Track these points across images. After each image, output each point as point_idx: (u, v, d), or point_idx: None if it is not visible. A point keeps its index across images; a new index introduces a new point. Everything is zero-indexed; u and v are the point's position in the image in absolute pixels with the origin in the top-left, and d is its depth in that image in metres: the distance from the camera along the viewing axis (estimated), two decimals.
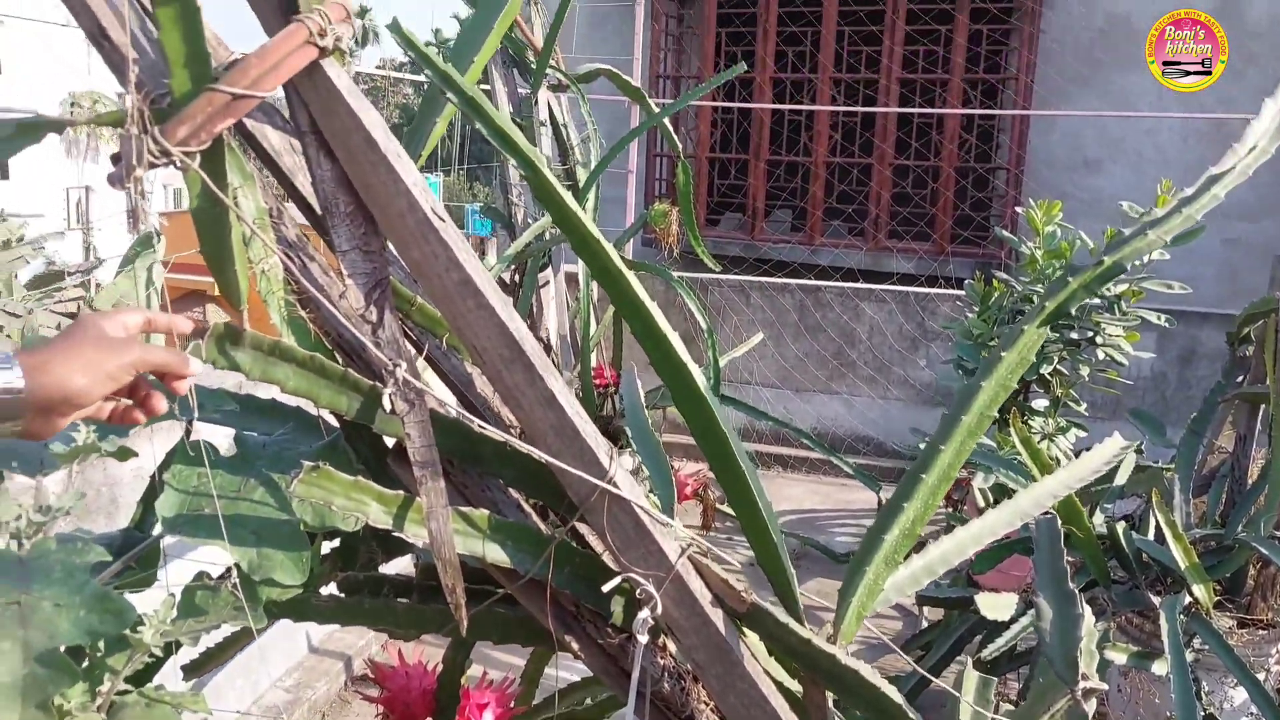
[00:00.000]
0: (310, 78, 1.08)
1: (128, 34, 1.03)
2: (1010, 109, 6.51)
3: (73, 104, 27.24)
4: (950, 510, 4.19)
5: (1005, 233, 3.91)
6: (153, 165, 0.98)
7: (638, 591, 1.17)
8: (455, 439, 1.21)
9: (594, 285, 4.15)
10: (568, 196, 1.24)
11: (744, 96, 6.95)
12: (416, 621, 1.38)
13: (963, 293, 5.08)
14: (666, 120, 4.05)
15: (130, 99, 0.96)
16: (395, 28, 1.25)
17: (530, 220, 4.12)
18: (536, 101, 3.96)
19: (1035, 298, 3.79)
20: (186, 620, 1.16)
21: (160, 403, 0.92)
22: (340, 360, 1.20)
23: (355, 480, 1.11)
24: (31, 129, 1.05)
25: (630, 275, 1.20)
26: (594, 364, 4.03)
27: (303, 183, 1.22)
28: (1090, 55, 6.40)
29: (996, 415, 4.09)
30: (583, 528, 1.28)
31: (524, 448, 1.18)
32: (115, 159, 1.02)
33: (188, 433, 1.19)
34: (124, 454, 1.18)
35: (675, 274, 4.79)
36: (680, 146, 4.27)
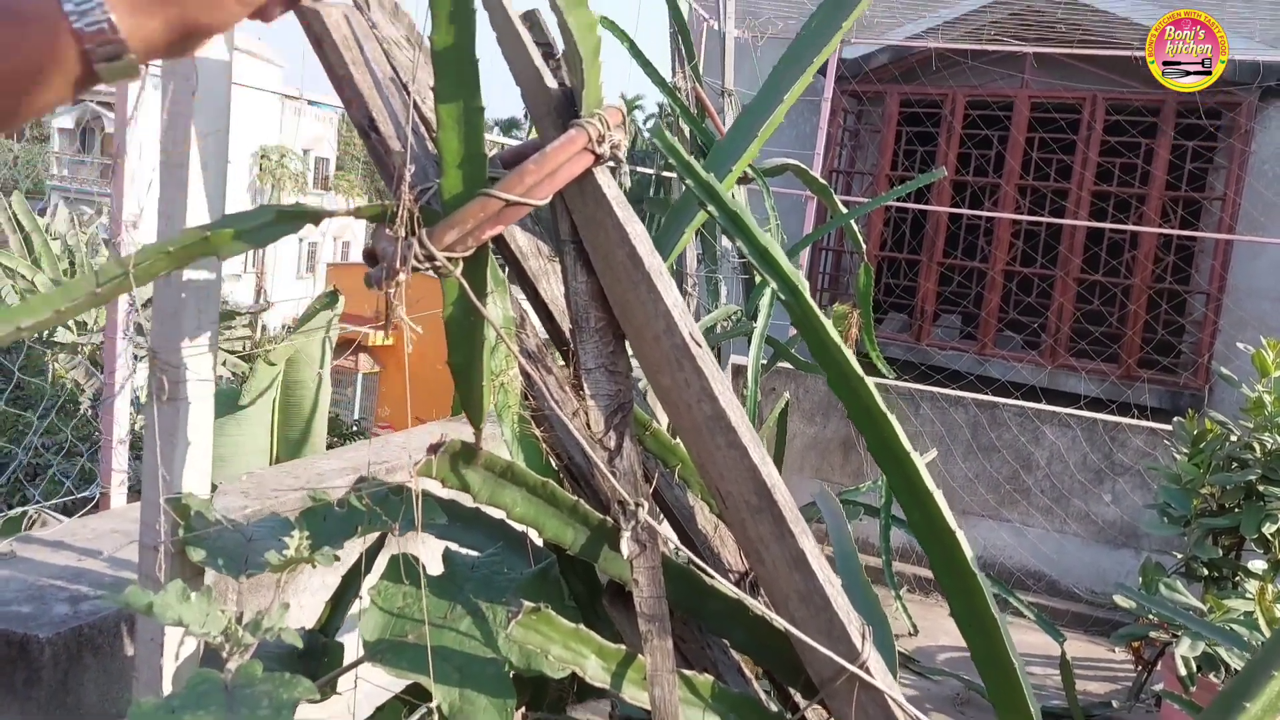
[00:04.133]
0: (580, 185, 1.00)
1: (409, 126, 0.98)
2: (1215, 229, 6.06)
3: (262, 156, 29.54)
4: (1138, 672, 3.76)
5: (1226, 371, 3.55)
6: (415, 270, 0.91)
7: None
8: (681, 588, 1.09)
9: (760, 384, 4.00)
10: (828, 324, 1.12)
11: (923, 197, 6.77)
12: None
13: (1159, 425, 4.67)
14: (848, 217, 3.92)
15: (402, 199, 0.90)
16: (659, 133, 1.17)
17: (704, 311, 4.05)
18: None
19: (1259, 447, 3.41)
20: None
21: None
22: (567, 486, 1.09)
23: (576, 629, 0.99)
24: (290, 217, 1.00)
25: (897, 425, 1.06)
26: None
27: (545, 288, 1.15)
28: None
29: (1205, 572, 3.59)
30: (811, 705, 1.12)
31: (761, 610, 1.04)
32: (370, 258, 0.96)
33: (374, 551, 1.11)
34: (328, 559, 1.11)
35: None
36: (864, 247, 4.13)
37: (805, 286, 1.13)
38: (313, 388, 6.26)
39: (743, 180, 4.24)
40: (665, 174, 5.56)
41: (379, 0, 1.03)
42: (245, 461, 4.79)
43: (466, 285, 0.92)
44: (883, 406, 1.09)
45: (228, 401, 6.00)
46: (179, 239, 0.94)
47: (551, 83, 0.98)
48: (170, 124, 1.00)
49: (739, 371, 4.65)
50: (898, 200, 6.73)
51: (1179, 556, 3.49)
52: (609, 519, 1.04)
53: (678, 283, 4.21)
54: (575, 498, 1.04)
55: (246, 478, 1.93)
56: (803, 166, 4.15)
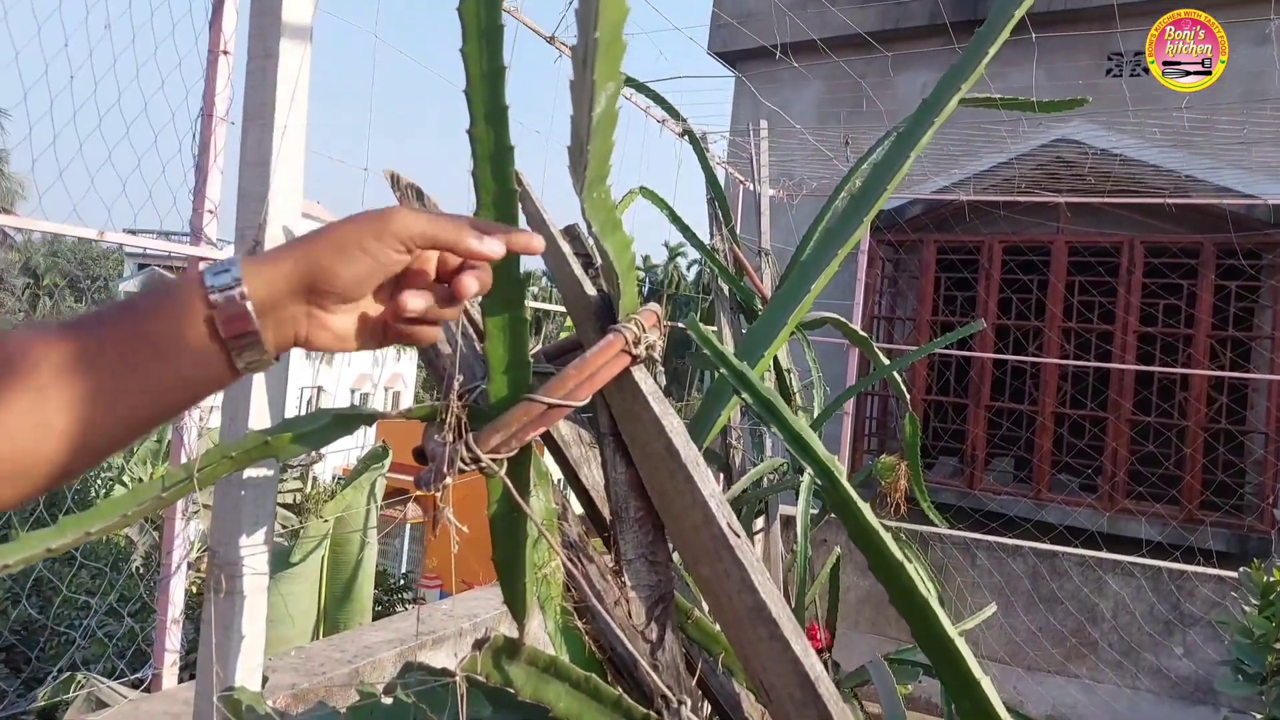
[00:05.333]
0: (618, 382, 1.05)
1: (458, 330, 1.04)
2: (1265, 369, 5.98)
3: None
4: None
5: None
6: (461, 471, 0.96)
7: None
8: None
9: (810, 536, 3.95)
10: (866, 508, 1.13)
11: (966, 343, 6.81)
12: None
13: (1227, 572, 4.48)
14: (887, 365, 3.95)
15: (451, 406, 0.95)
16: (693, 324, 1.23)
17: (750, 464, 4.05)
18: None
19: None
20: None
21: (470, 283, 0.67)
22: (609, 676, 1.10)
23: None
24: (346, 421, 1.06)
25: (943, 615, 1.05)
26: (807, 623, 3.77)
27: (586, 474, 1.18)
28: None
29: None
30: None
31: None
32: (420, 457, 1.01)
33: None
34: None
35: (894, 525, 4.53)
36: (907, 397, 4.14)
37: (841, 472, 1.15)
38: (359, 543, 6.31)
39: None
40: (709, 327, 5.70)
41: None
42: (294, 621, 4.79)
43: (510, 485, 0.96)
44: (925, 592, 1.08)
45: (278, 559, 6.06)
46: (240, 443, 1.00)
47: (591, 290, 1.05)
48: None
49: (788, 523, 4.59)
50: (940, 350, 6.76)
51: (1259, 716, 3.29)
52: (653, 713, 1.04)
53: (721, 434, 4.24)
54: (618, 692, 1.04)
55: (296, 653, 1.94)
56: (842, 320, 4.22)
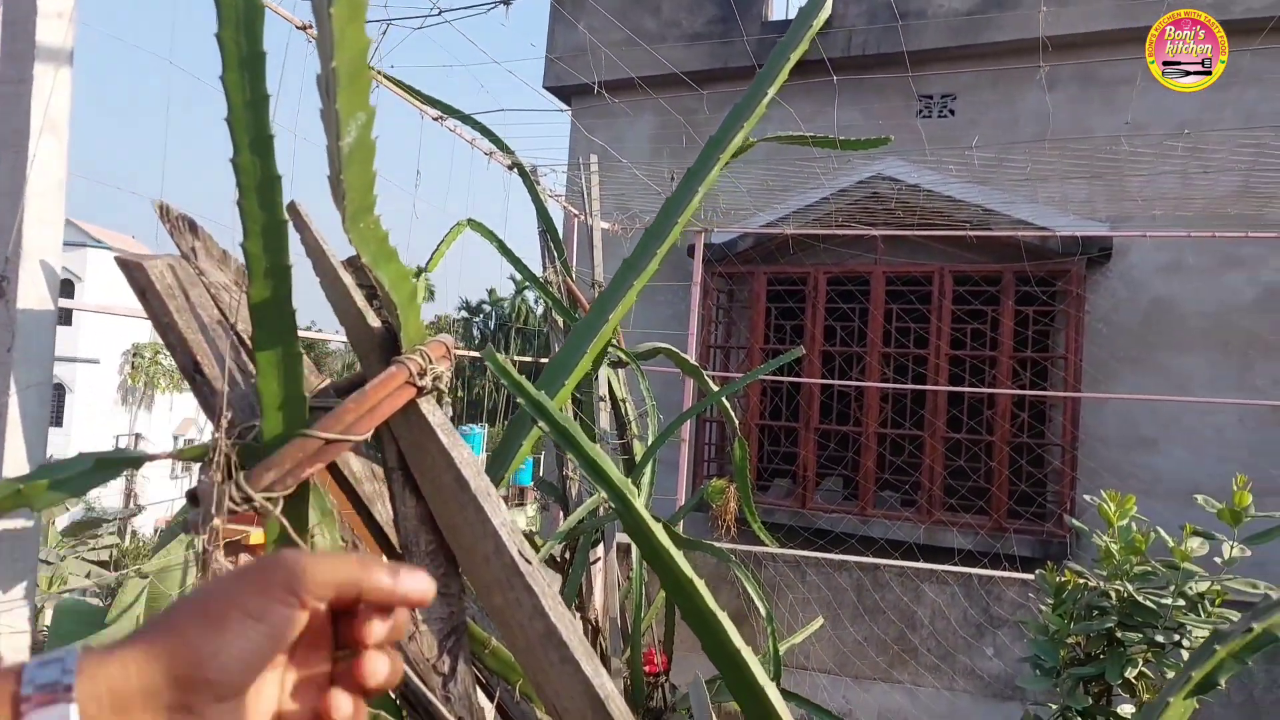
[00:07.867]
0: (404, 414, 1.04)
1: (234, 367, 1.01)
2: (1060, 387, 6.51)
3: (135, 354, 28.73)
4: None
5: (1076, 522, 3.74)
6: (232, 512, 0.93)
7: None
8: None
9: (645, 564, 4.00)
10: (658, 529, 1.16)
11: (794, 370, 7.10)
12: None
13: (1028, 576, 4.83)
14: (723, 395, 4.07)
15: (220, 444, 0.92)
16: (490, 355, 1.24)
17: (586, 494, 4.07)
18: (596, 378, 4.02)
19: (1115, 595, 3.57)
20: None
21: (380, 665, 0.51)
22: (404, 713, 1.08)
23: None
24: (110, 465, 1.01)
25: (731, 628, 1.09)
26: (644, 648, 3.81)
27: (380, 510, 1.16)
28: (1139, 336, 6.49)
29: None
30: None
31: None
32: (193, 499, 0.97)
33: None
34: None
35: (728, 546, 4.66)
36: (736, 422, 4.27)
37: (635, 494, 1.18)
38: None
39: (618, 364, 4.38)
40: (543, 359, 5.71)
41: (207, 249, 1.09)
42: None
43: (286, 524, 0.93)
44: (715, 608, 1.12)
45: (92, 618, 5.59)
46: None
47: (375, 321, 1.04)
48: None
49: (626, 551, 4.63)
50: (770, 376, 7.02)
51: (1054, 707, 3.55)
52: None
53: (557, 468, 4.24)
54: None
55: None
56: (674, 350, 4.32)
